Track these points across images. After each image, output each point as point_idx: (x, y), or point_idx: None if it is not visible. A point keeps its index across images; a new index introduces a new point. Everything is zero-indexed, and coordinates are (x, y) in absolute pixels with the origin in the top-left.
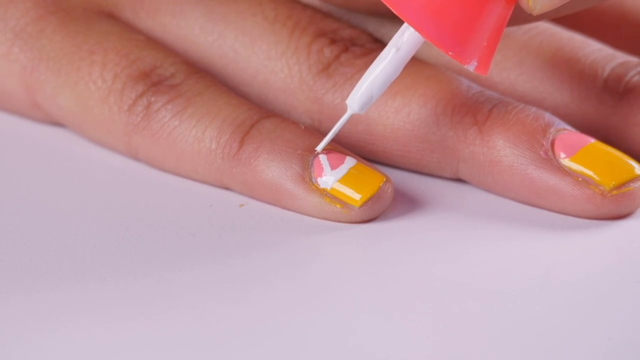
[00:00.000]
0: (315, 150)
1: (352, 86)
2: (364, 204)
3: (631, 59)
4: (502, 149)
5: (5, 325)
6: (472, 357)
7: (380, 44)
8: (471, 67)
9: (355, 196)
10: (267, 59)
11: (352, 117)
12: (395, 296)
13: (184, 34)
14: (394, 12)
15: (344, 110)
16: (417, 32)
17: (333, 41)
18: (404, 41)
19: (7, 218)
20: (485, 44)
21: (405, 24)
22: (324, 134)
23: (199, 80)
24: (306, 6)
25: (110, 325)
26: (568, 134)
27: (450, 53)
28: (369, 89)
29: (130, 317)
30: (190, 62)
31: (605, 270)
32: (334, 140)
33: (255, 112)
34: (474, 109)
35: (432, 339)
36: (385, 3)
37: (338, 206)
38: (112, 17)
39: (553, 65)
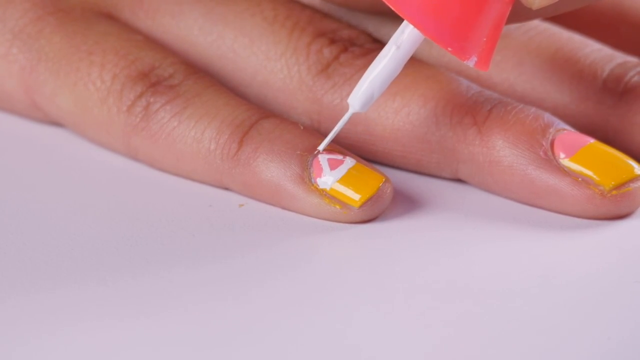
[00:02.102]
0: (315, 151)
1: (352, 86)
2: (364, 204)
3: (630, 59)
4: (502, 149)
5: (5, 325)
6: (471, 357)
7: (379, 44)
8: (471, 62)
9: (354, 196)
10: (267, 59)
11: (352, 117)
12: (394, 296)
13: (183, 35)
14: (393, 9)
15: (344, 110)
16: (416, 29)
17: (332, 41)
18: (404, 39)
19: (7, 218)
20: (485, 39)
21: (405, 22)
22: (324, 135)
23: (198, 80)
24: (305, 6)
25: (110, 325)
26: (567, 134)
27: (449, 49)
28: (370, 88)
29: (130, 317)
30: (189, 62)
31: (605, 270)
32: (333, 141)
33: (254, 113)
34: (474, 109)
35: (432, 338)
36: (384, 1)
37: (337, 206)
38: (110, 18)
39: (552, 66)
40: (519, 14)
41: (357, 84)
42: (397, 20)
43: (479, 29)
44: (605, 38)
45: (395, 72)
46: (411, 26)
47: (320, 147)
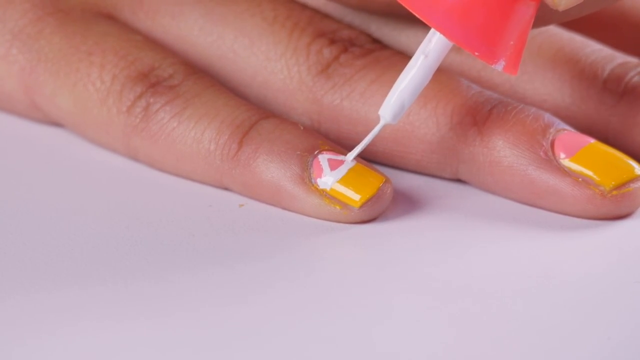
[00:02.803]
0: (315, 151)
1: (352, 87)
2: (364, 204)
3: (631, 59)
4: (502, 150)
5: (5, 325)
6: (471, 357)
7: (379, 44)
8: (499, 66)
9: (354, 197)
10: (266, 59)
11: (351, 118)
12: (395, 296)
13: (183, 35)
14: (420, 18)
15: (344, 110)
16: (444, 37)
17: (332, 42)
18: (432, 47)
19: (7, 218)
20: (513, 43)
21: (432, 30)
22: (324, 135)
23: (198, 80)
24: (305, 7)
25: (110, 325)
26: (568, 135)
27: (476, 53)
28: (400, 98)
29: (130, 317)
30: (189, 62)
31: (605, 270)
32: (332, 140)
33: (254, 113)
34: (474, 109)
35: (432, 338)
36: (410, 9)
37: (337, 207)
38: (110, 18)
39: (553, 66)
40: (544, 17)
41: (387, 96)
42: (403, 20)
43: (507, 33)
44: (606, 38)
45: (424, 81)
46: (438, 34)
47: (348, 157)
